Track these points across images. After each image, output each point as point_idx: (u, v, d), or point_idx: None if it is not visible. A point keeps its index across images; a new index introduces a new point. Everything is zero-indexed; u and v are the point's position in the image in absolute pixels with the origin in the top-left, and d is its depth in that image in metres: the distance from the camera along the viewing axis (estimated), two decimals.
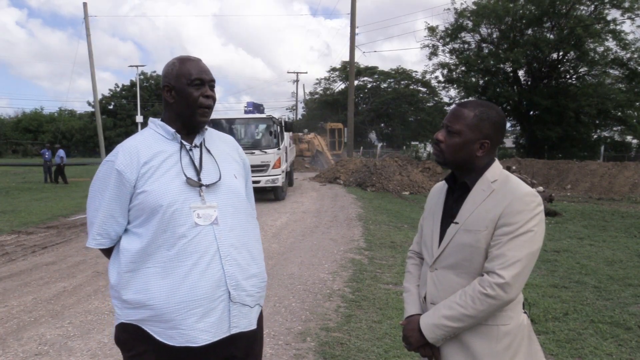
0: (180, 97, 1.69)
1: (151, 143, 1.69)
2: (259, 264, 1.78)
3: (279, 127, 13.61)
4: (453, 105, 1.73)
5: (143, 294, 1.59)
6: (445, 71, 31.32)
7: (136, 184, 1.62)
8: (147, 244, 1.60)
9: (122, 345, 1.68)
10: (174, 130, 1.71)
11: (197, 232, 1.61)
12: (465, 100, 2.16)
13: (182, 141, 1.71)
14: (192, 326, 1.58)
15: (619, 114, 27.28)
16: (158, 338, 1.60)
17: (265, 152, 12.91)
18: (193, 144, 1.74)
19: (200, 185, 1.66)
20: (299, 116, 53.81)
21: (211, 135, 1.83)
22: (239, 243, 1.70)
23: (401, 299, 4.55)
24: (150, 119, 1.80)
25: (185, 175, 1.65)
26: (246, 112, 14.45)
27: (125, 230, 1.68)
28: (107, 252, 1.74)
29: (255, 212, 1.98)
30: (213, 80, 1.73)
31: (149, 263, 1.60)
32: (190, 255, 1.59)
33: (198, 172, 1.69)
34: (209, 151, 1.77)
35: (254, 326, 1.74)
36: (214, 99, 1.74)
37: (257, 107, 14.85)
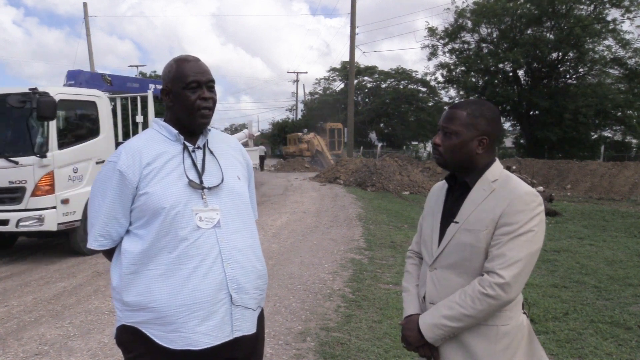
0: (178, 101, 1.67)
1: (154, 144, 1.68)
2: (262, 265, 1.78)
3: (51, 111, 6.29)
4: (446, 108, 1.75)
5: (144, 296, 1.58)
6: (445, 71, 31.36)
7: (138, 185, 1.61)
8: (149, 246, 1.59)
9: (123, 346, 1.68)
10: (176, 131, 1.70)
11: (199, 235, 1.60)
12: (458, 101, 2.18)
13: (185, 142, 1.70)
14: (193, 329, 1.58)
15: (619, 114, 27.29)
16: (158, 341, 1.59)
17: (16, 163, 6.38)
18: (196, 146, 1.72)
19: (203, 188, 1.65)
20: (299, 116, 53.81)
21: (214, 137, 1.82)
22: (243, 245, 1.69)
23: (401, 299, 4.54)
24: (154, 119, 1.79)
25: (188, 178, 1.64)
26: (67, 85, 8.22)
27: (127, 232, 1.67)
28: (108, 253, 1.73)
29: (257, 214, 1.98)
30: (211, 81, 1.69)
31: (150, 265, 1.59)
32: (191, 258, 1.59)
33: (200, 174, 1.67)
34: (212, 153, 1.75)
35: (255, 329, 1.74)
36: (213, 100, 1.70)
37: (92, 79, 8.57)
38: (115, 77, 9.55)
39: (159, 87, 10.63)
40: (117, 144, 8.13)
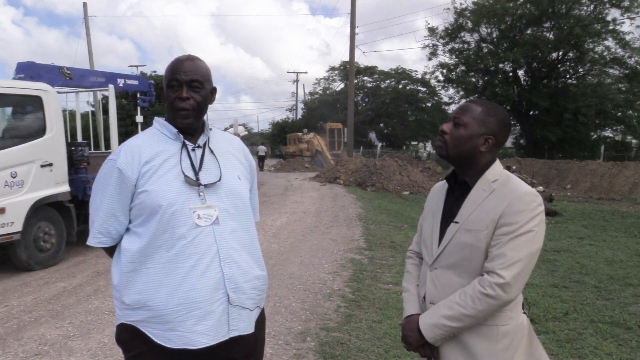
0: (165, 100, 1.70)
1: (154, 142, 1.68)
2: (260, 265, 1.78)
3: None
4: (459, 103, 1.76)
5: (143, 294, 1.59)
6: (445, 71, 31.36)
7: (137, 182, 1.62)
8: (147, 244, 1.60)
9: (122, 345, 1.68)
10: (176, 130, 1.70)
11: (197, 233, 1.61)
12: (473, 98, 2.18)
13: (185, 141, 1.70)
14: (191, 328, 1.58)
15: (619, 114, 27.29)
16: (156, 340, 1.59)
17: None
18: (196, 144, 1.73)
19: (199, 185, 1.65)
20: (299, 116, 53.80)
21: (216, 136, 1.82)
22: (239, 245, 1.69)
23: (401, 299, 4.54)
24: (155, 118, 1.79)
25: (184, 174, 1.64)
26: (16, 78, 7.43)
27: (127, 230, 1.68)
28: (109, 251, 1.73)
29: (258, 215, 1.97)
30: (194, 81, 1.65)
31: (149, 263, 1.60)
32: (189, 256, 1.59)
33: (197, 172, 1.68)
34: (212, 152, 1.75)
35: (252, 329, 1.73)
36: (194, 100, 1.65)
37: (46, 73, 7.61)
38: (76, 70, 8.46)
39: (130, 82, 9.57)
40: (70, 145, 7.19)
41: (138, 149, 1.65)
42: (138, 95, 10.32)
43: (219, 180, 1.69)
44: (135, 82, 9.83)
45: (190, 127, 1.71)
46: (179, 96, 1.65)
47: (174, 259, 1.58)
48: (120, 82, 9.24)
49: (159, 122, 1.76)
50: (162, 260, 1.59)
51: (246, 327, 1.70)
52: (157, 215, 1.59)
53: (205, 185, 1.66)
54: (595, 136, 29.49)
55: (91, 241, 1.69)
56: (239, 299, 1.65)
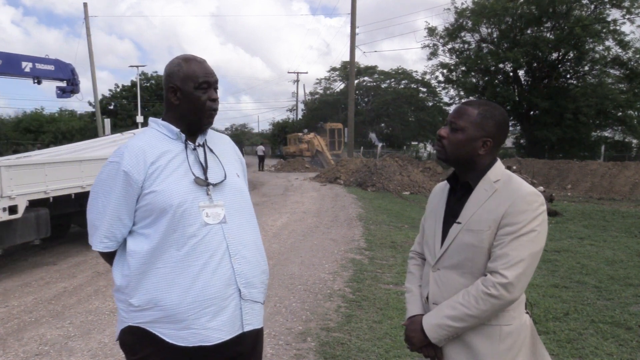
0: (187, 100, 1.68)
1: (156, 143, 1.68)
2: (265, 260, 1.81)
3: None
4: (457, 104, 1.76)
5: (154, 294, 1.58)
6: (445, 71, 31.35)
7: (143, 184, 1.61)
8: (157, 245, 1.59)
9: (127, 348, 1.67)
10: (178, 129, 1.71)
11: (206, 231, 1.62)
12: (470, 99, 2.18)
13: (187, 141, 1.71)
14: (205, 325, 1.59)
15: (619, 114, 27.28)
16: (168, 340, 1.59)
17: None
18: (197, 144, 1.74)
19: (208, 184, 1.67)
20: (299, 116, 53.81)
21: (211, 135, 1.84)
22: (247, 240, 1.72)
23: (401, 299, 4.55)
24: (151, 118, 1.79)
25: (194, 174, 1.65)
26: None
27: (130, 232, 1.66)
28: (108, 256, 1.72)
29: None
30: (217, 82, 1.74)
31: (159, 264, 1.59)
32: (200, 254, 1.60)
33: (205, 171, 1.69)
34: (211, 150, 1.77)
35: (262, 323, 1.77)
36: (218, 101, 1.75)
37: None
38: None
39: (41, 67, 7.84)
40: None
41: (142, 150, 1.65)
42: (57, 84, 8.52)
43: (225, 179, 1.72)
44: (50, 68, 8.15)
45: (209, 126, 1.76)
46: (211, 97, 1.70)
47: (185, 258, 1.59)
48: (26, 66, 7.51)
49: (156, 122, 1.76)
50: (173, 259, 1.59)
51: (259, 321, 1.74)
52: (167, 215, 1.59)
53: (214, 185, 1.69)
54: (595, 136, 29.47)
55: (97, 247, 1.67)
56: (250, 293, 1.68)
